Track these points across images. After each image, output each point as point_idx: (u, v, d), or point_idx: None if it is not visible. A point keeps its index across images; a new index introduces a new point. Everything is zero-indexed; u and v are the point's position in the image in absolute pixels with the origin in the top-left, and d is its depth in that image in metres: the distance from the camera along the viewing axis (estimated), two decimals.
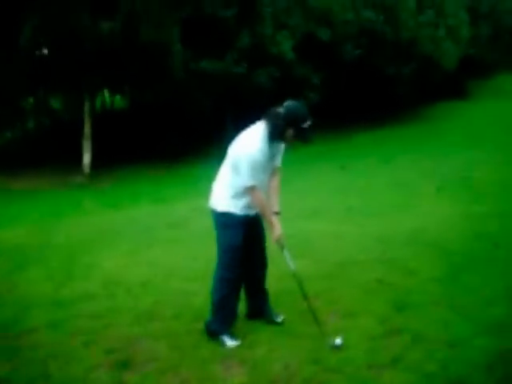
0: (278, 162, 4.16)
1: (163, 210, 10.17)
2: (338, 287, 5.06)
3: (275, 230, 4.06)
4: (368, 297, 4.76)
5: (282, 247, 4.14)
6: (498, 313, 4.21)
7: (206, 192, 4.31)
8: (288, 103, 3.92)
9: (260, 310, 4.42)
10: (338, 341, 3.88)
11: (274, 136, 3.88)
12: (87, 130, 16.25)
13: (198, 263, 5.88)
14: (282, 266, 4.32)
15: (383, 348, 3.82)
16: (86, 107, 16.21)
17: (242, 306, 4.46)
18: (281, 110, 3.86)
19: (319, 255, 6.23)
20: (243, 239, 4.08)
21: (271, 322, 4.33)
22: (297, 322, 4.30)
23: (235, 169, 3.95)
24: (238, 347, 3.99)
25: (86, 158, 16.25)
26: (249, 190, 3.94)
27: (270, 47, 17.01)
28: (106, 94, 25.51)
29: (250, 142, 3.88)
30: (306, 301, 4.12)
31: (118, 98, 25.79)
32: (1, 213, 11.11)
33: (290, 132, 3.86)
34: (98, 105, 25.03)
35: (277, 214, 4.12)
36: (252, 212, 4.09)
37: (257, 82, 16.42)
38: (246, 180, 3.89)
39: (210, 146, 17.15)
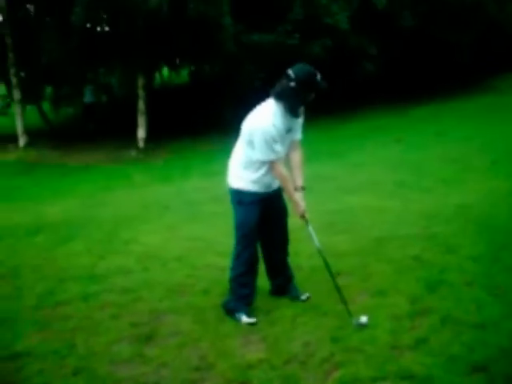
0: (298, 135, 4.05)
1: (210, 184, 10.19)
2: (372, 264, 4.93)
3: (298, 205, 3.96)
4: (401, 274, 4.60)
5: (306, 223, 4.04)
6: None
7: None
8: (291, 68, 3.80)
9: (283, 288, 4.34)
10: (364, 319, 3.76)
11: (295, 102, 3.78)
12: (141, 105, 16.45)
13: None
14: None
15: (409, 329, 3.67)
16: (140, 83, 16.37)
17: (266, 283, 4.41)
18: (289, 74, 3.76)
19: (360, 230, 6.11)
20: (260, 217, 4.00)
21: (296, 299, 4.26)
22: (323, 300, 4.20)
23: (250, 144, 3.86)
24: (260, 323, 3.95)
25: (141, 133, 16.48)
26: (270, 165, 3.85)
27: (324, 18, 16.59)
28: (165, 70, 25.85)
29: (263, 117, 3.80)
30: (331, 278, 4.02)
31: (173, 74, 26.03)
32: (53, 187, 11.45)
33: (307, 92, 3.78)
34: (158, 81, 25.34)
35: (302, 188, 4.02)
36: (269, 189, 4.01)
37: (310, 53, 16.05)
38: (264, 155, 3.79)
39: None
